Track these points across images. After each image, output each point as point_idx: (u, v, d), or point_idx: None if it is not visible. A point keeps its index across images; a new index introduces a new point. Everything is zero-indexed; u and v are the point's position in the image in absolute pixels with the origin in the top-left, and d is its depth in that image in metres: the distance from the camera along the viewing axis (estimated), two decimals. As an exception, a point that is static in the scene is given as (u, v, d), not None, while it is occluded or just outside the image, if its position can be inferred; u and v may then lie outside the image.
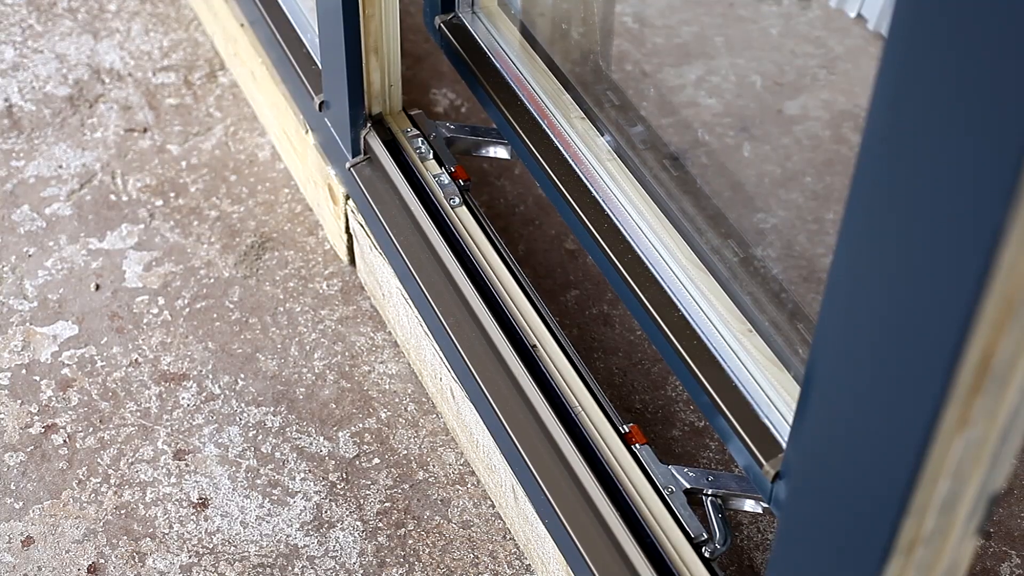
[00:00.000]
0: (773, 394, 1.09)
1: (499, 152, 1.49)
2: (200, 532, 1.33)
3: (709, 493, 1.19)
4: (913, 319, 0.66)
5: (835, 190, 1.65)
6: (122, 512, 1.34)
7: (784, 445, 1.02)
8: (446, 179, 1.41)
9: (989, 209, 0.58)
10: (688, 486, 1.19)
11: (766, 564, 1.08)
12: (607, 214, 1.26)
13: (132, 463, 1.38)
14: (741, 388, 1.10)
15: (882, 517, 0.73)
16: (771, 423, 1.07)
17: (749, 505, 1.19)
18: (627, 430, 1.22)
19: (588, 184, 1.29)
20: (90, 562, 1.30)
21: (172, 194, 1.65)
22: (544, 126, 1.35)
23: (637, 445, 1.21)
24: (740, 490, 1.19)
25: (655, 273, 1.21)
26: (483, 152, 1.50)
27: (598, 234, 1.25)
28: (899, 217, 0.65)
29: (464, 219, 1.39)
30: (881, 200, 0.66)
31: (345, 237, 1.53)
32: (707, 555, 1.14)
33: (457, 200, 1.40)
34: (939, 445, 0.67)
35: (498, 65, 1.41)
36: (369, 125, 1.44)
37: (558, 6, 1.51)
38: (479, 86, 1.40)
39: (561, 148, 1.33)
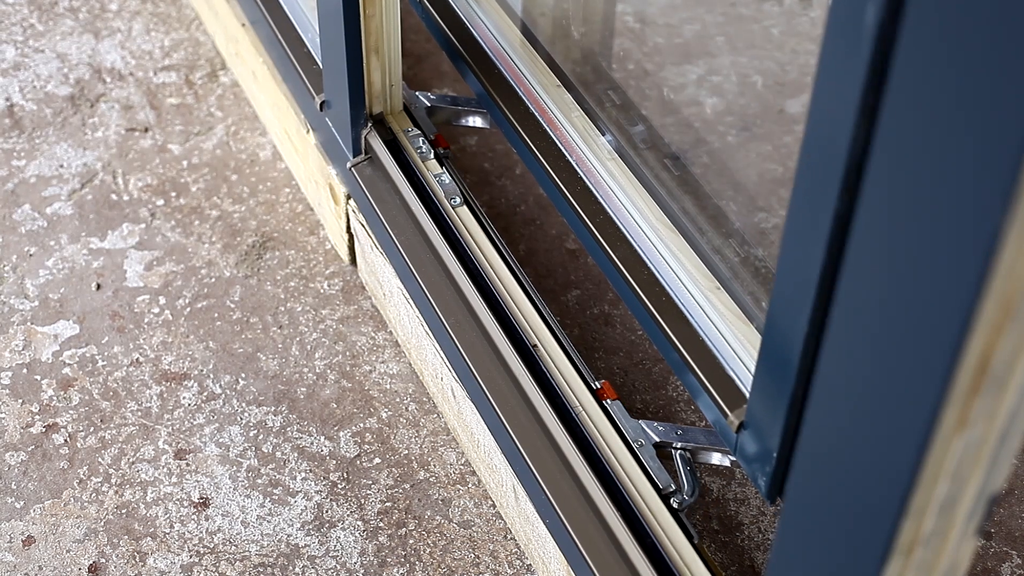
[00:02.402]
0: (739, 348, 1.12)
1: (478, 121, 1.52)
2: (201, 532, 1.33)
3: (678, 447, 1.23)
4: (912, 320, 0.66)
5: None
6: (123, 512, 1.34)
7: (748, 396, 1.06)
8: (447, 179, 1.42)
9: (988, 210, 0.58)
10: (657, 440, 1.23)
11: (766, 564, 1.08)
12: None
13: (133, 463, 1.38)
14: (709, 343, 1.14)
15: (881, 518, 0.73)
16: (736, 376, 1.10)
17: (716, 458, 1.23)
18: (598, 386, 1.26)
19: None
20: (91, 561, 1.30)
21: (173, 194, 1.65)
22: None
23: (608, 400, 1.25)
24: (708, 443, 1.22)
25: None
26: (463, 121, 1.52)
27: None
28: (898, 218, 0.65)
29: (465, 219, 1.39)
30: (880, 201, 0.66)
31: (346, 237, 1.53)
32: (675, 505, 1.18)
33: (458, 200, 1.40)
34: (938, 446, 0.67)
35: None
36: (370, 125, 1.44)
37: (559, 5, 1.51)
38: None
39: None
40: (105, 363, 1.47)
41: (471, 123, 1.53)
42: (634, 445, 1.22)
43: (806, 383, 0.93)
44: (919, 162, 0.63)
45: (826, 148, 0.79)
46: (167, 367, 1.47)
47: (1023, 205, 0.57)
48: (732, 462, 1.22)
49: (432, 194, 1.41)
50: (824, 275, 0.85)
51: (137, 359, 1.47)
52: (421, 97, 1.51)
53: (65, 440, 1.40)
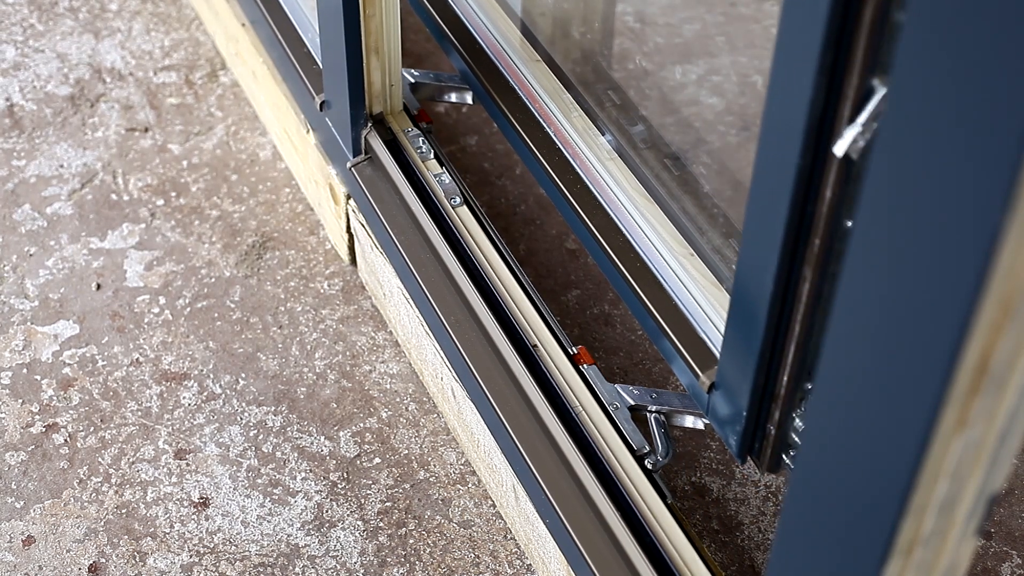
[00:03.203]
0: (711, 311, 1.15)
1: (462, 98, 1.52)
2: (201, 531, 1.33)
3: (653, 410, 1.25)
4: (912, 321, 0.66)
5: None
6: (123, 511, 1.34)
7: (719, 357, 1.08)
8: (447, 179, 1.42)
9: (987, 211, 0.58)
10: (632, 403, 1.25)
11: (766, 564, 1.08)
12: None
13: (133, 462, 1.38)
14: (682, 308, 1.17)
15: (881, 518, 0.73)
16: (708, 338, 1.13)
17: (690, 421, 1.25)
18: (575, 351, 1.28)
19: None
20: (91, 561, 1.30)
21: (173, 193, 1.65)
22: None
23: (584, 365, 1.27)
24: (682, 407, 1.24)
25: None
26: (446, 98, 1.53)
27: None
28: (898, 218, 0.65)
29: (465, 219, 1.39)
30: (880, 201, 0.66)
31: (346, 236, 1.53)
32: (649, 466, 1.21)
33: (458, 200, 1.40)
34: (938, 446, 0.67)
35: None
36: (370, 125, 1.44)
37: (558, 5, 1.51)
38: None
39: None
40: (105, 363, 1.47)
41: (453, 99, 1.53)
42: (609, 408, 1.24)
43: (773, 341, 0.97)
44: (919, 162, 0.63)
45: (787, 106, 0.81)
46: (167, 367, 1.47)
47: (1022, 204, 0.57)
48: (705, 424, 1.23)
49: (432, 194, 1.41)
50: (788, 232, 0.89)
51: (137, 359, 1.47)
52: (405, 74, 1.51)
53: (65, 440, 1.40)
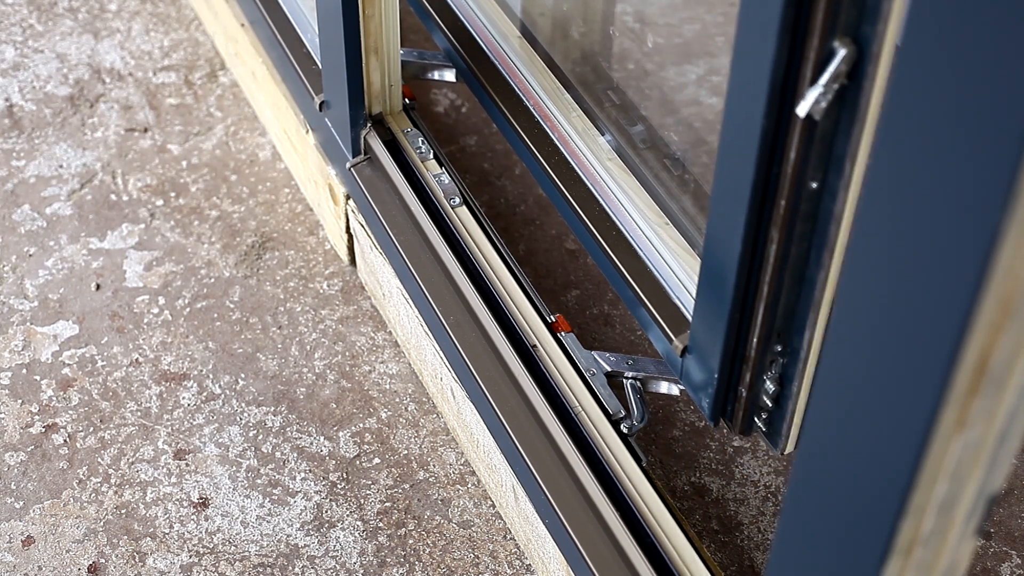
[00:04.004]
0: (684, 278, 1.17)
1: (446, 75, 1.52)
2: (200, 532, 1.33)
3: (629, 376, 1.27)
4: (911, 321, 0.66)
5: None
6: (122, 512, 1.34)
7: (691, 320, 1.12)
8: (446, 179, 1.41)
9: (987, 210, 0.58)
10: (609, 369, 1.27)
11: (766, 564, 1.08)
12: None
13: (132, 463, 1.38)
14: (658, 276, 1.19)
15: (881, 518, 0.73)
16: (682, 304, 1.16)
17: (664, 387, 1.27)
18: (553, 320, 1.31)
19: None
20: (90, 562, 1.30)
21: (173, 194, 1.65)
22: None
23: (563, 333, 1.29)
24: (657, 373, 1.26)
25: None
26: (430, 76, 1.53)
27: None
28: (897, 217, 0.65)
29: (464, 219, 1.39)
30: (879, 200, 0.66)
31: (345, 237, 1.53)
32: (624, 431, 1.23)
33: (457, 200, 1.40)
34: (937, 446, 0.67)
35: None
36: (369, 125, 1.44)
37: (558, 5, 1.51)
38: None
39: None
40: (105, 363, 1.47)
41: (437, 77, 1.53)
42: (586, 374, 1.26)
43: (742, 303, 1.00)
44: (918, 162, 0.63)
45: (751, 68, 0.84)
46: (167, 367, 1.47)
47: (1022, 204, 0.57)
48: (680, 390, 1.25)
49: (431, 194, 1.41)
50: (755, 193, 0.92)
51: (137, 359, 1.47)
52: None
53: (65, 440, 1.40)
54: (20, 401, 1.43)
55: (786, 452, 1.09)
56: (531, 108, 1.37)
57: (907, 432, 0.68)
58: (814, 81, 0.82)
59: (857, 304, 0.71)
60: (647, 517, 1.17)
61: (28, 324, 1.50)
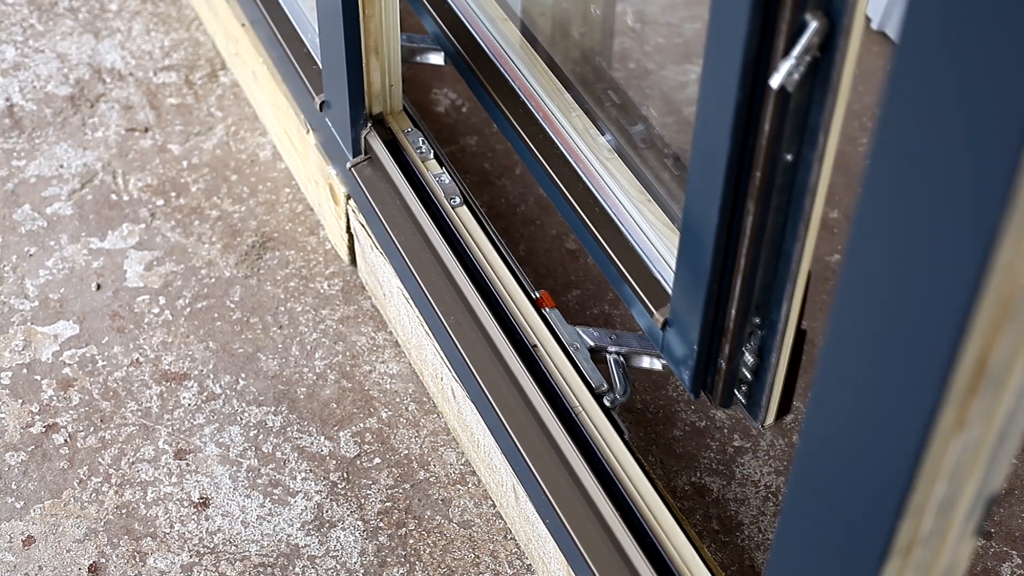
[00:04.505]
0: (666, 253, 1.19)
1: (434, 59, 1.52)
2: (201, 532, 1.33)
3: (612, 351, 1.29)
4: (909, 321, 0.66)
5: (838, 189, 1.65)
6: (123, 512, 1.34)
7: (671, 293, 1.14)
8: (447, 179, 1.41)
9: (985, 210, 0.58)
10: (592, 344, 1.29)
11: (766, 564, 1.08)
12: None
13: (133, 463, 1.38)
14: (640, 252, 1.21)
15: (880, 518, 0.73)
16: (664, 279, 1.18)
17: (647, 361, 1.29)
18: (538, 295, 1.33)
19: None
20: (91, 561, 1.30)
21: (173, 194, 1.65)
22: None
23: (547, 309, 1.31)
24: (640, 347, 1.28)
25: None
26: (418, 59, 1.53)
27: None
28: (895, 218, 0.65)
29: (465, 219, 1.39)
30: (878, 201, 0.66)
31: (346, 237, 1.53)
32: (607, 404, 1.25)
33: (458, 200, 1.40)
34: (936, 447, 0.67)
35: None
36: (370, 125, 1.44)
37: (558, 5, 1.51)
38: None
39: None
40: (105, 363, 1.47)
41: (426, 60, 1.53)
42: (570, 349, 1.28)
43: (721, 275, 1.03)
44: (916, 162, 0.62)
45: (725, 41, 0.87)
46: (167, 367, 1.47)
47: (1021, 204, 0.57)
48: (663, 364, 1.27)
49: (432, 194, 1.41)
50: (731, 165, 0.95)
51: (137, 359, 1.47)
52: None
53: (65, 440, 1.40)
54: (20, 401, 1.43)
55: (766, 424, 1.11)
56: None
57: (906, 433, 0.68)
58: (786, 53, 0.85)
59: (856, 305, 0.71)
60: (647, 517, 1.17)
61: (28, 324, 1.50)
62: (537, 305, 1.31)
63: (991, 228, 0.58)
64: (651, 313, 1.16)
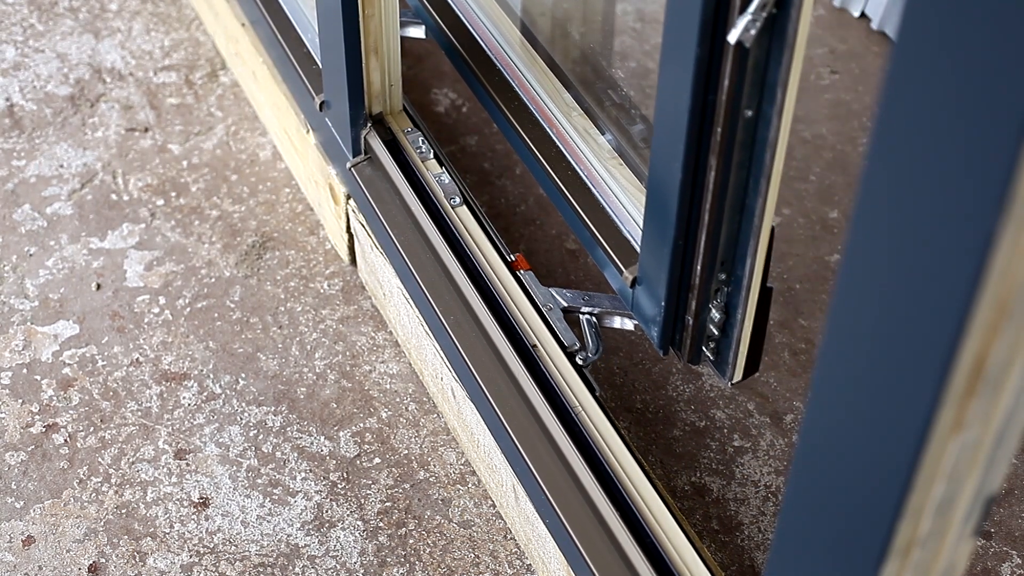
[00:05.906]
0: (635, 212, 1.22)
1: (415, 32, 1.52)
2: (201, 532, 1.33)
3: (585, 311, 1.31)
4: (908, 322, 0.65)
5: (838, 189, 1.64)
6: (123, 511, 1.34)
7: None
8: (447, 179, 1.41)
9: (983, 211, 0.58)
10: (565, 304, 1.32)
11: (766, 564, 1.08)
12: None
13: (133, 462, 1.38)
14: (611, 214, 1.24)
15: (879, 519, 0.73)
16: (633, 239, 1.21)
17: (618, 322, 1.31)
18: (513, 259, 1.35)
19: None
20: (91, 561, 1.30)
21: (173, 193, 1.65)
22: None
23: (521, 271, 1.34)
24: (612, 308, 1.30)
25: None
26: (401, 33, 1.52)
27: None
28: (893, 219, 0.65)
29: (465, 219, 1.39)
30: (875, 202, 0.66)
31: (346, 237, 1.53)
32: (579, 362, 1.28)
33: (458, 199, 1.40)
34: (934, 448, 0.67)
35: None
36: (369, 125, 1.44)
37: (558, 4, 1.51)
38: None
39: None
40: (105, 363, 1.47)
41: (408, 34, 1.52)
42: (544, 309, 1.30)
43: (686, 231, 1.06)
44: (915, 162, 0.62)
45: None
46: (167, 367, 1.47)
47: (1018, 204, 0.57)
48: (634, 324, 1.29)
49: (432, 194, 1.41)
50: (692, 121, 0.97)
51: (137, 359, 1.47)
52: None
53: (65, 440, 1.40)
54: (20, 401, 1.43)
55: (733, 381, 1.14)
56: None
57: (904, 434, 0.68)
58: (743, 9, 0.88)
59: (854, 306, 0.71)
60: (647, 517, 1.17)
61: (28, 324, 1.51)
62: (512, 268, 1.34)
63: (989, 228, 0.58)
64: (620, 272, 1.19)
